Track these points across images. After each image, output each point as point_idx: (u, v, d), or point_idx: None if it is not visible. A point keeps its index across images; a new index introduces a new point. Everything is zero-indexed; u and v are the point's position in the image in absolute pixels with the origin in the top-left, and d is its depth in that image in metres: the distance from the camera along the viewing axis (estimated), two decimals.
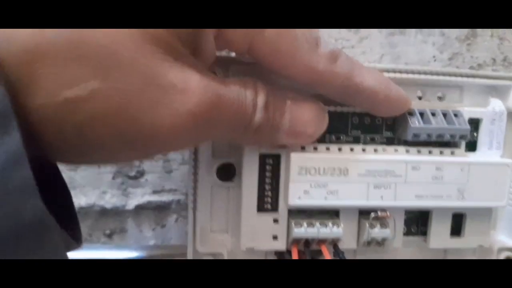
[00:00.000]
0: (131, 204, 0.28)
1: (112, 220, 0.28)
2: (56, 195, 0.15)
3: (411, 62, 0.27)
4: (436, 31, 0.27)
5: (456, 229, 0.21)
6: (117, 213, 0.28)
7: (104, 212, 0.27)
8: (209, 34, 0.15)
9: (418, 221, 0.21)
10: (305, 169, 0.18)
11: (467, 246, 0.21)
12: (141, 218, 0.28)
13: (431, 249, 0.21)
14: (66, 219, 0.15)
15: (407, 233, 0.21)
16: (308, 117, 0.17)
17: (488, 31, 0.27)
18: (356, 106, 0.19)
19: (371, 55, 0.26)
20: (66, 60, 0.12)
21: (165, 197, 0.28)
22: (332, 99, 0.18)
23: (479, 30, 0.27)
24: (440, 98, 0.21)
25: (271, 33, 0.15)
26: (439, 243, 0.21)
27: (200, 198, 0.20)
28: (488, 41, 0.27)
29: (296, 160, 0.18)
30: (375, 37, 0.26)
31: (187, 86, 0.14)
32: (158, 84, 0.13)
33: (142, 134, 0.14)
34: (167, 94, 0.14)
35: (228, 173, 0.20)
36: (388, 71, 0.19)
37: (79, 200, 0.27)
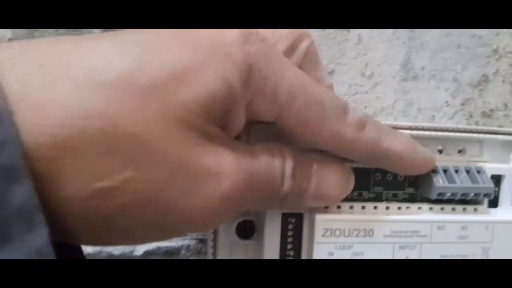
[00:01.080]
0: (140, 250, 0.27)
1: None
2: None
3: (424, 108, 0.27)
4: (449, 77, 0.27)
5: None
6: (125, 259, 0.27)
7: (112, 258, 0.27)
8: (240, 107, 0.14)
9: None
10: (330, 230, 0.18)
11: None
12: None
13: None
14: None
15: None
16: (334, 180, 0.17)
17: (500, 77, 0.27)
18: (382, 167, 0.19)
19: (384, 100, 0.26)
20: (97, 153, 0.12)
21: (174, 243, 0.27)
22: (357, 162, 0.18)
23: (490, 76, 0.27)
24: (460, 151, 0.21)
25: (300, 104, 0.15)
26: None
27: (219, 255, 0.19)
28: (500, 86, 0.27)
29: (321, 222, 0.18)
30: (388, 83, 0.26)
31: (221, 169, 0.13)
32: (191, 170, 0.13)
33: (172, 222, 0.13)
34: (200, 179, 0.13)
35: (246, 230, 0.20)
36: (411, 128, 0.19)
37: (86, 247, 0.26)
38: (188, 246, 0.27)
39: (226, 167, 0.14)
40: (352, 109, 0.16)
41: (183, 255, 0.27)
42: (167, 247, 0.27)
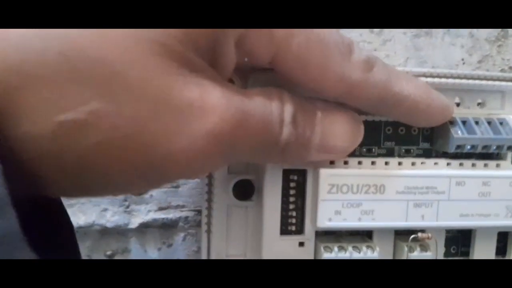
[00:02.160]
0: (135, 222, 0.25)
1: (114, 240, 0.25)
2: (54, 230, 0.13)
3: (438, 66, 0.25)
4: (465, 32, 0.25)
5: (501, 248, 0.19)
6: (119, 232, 0.25)
7: (105, 232, 0.25)
8: (230, 40, 0.13)
9: (458, 241, 0.19)
10: (336, 186, 0.16)
11: None
12: (146, 237, 0.26)
13: None
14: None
15: (446, 254, 0.19)
16: (341, 129, 0.15)
17: None
18: (393, 118, 0.17)
19: (395, 58, 0.24)
20: (58, 80, 0.10)
21: (171, 214, 0.25)
22: (366, 111, 0.16)
23: (510, 31, 0.25)
24: (480, 105, 0.19)
25: (300, 42, 0.13)
26: None
27: (215, 220, 0.18)
28: None
29: (326, 177, 0.16)
30: (399, 39, 0.24)
31: (206, 103, 0.12)
32: (172, 104, 0.11)
33: (155, 164, 0.12)
34: (183, 115, 0.11)
35: (245, 190, 0.18)
36: (425, 75, 0.17)
37: (78, 219, 0.25)
38: (186, 218, 0.26)
39: (212, 101, 0.12)
40: (358, 48, 0.14)
41: (181, 227, 0.26)
42: (163, 219, 0.25)
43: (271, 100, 0.13)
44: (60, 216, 0.15)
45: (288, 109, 0.14)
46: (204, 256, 0.18)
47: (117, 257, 0.26)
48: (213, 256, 0.18)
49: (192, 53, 0.12)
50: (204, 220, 0.18)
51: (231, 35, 0.13)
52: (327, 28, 0.14)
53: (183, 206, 0.25)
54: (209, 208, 0.18)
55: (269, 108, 0.13)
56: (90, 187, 0.12)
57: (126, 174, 0.12)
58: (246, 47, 0.13)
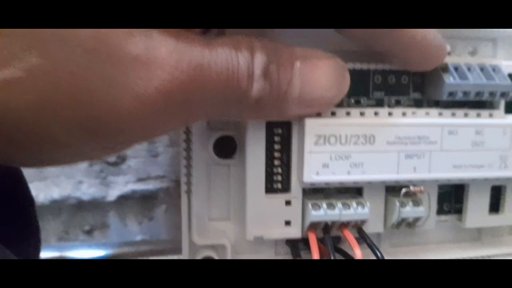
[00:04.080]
0: (113, 194, 0.24)
1: (91, 214, 0.24)
2: (11, 203, 0.12)
3: None
4: None
5: (494, 205, 0.18)
6: (96, 205, 0.24)
7: (81, 205, 0.24)
8: None
9: (451, 197, 0.18)
10: (323, 137, 0.15)
11: (507, 224, 0.19)
12: (125, 211, 0.24)
13: (468, 230, 0.18)
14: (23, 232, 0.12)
15: (439, 211, 0.18)
16: (324, 79, 0.14)
17: None
18: (389, 52, 0.15)
19: None
20: None
21: (151, 185, 0.24)
22: (360, 43, 0.15)
23: None
24: (471, 53, 0.18)
25: None
26: (476, 221, 0.18)
27: (195, 180, 0.17)
28: None
29: (312, 128, 0.15)
30: None
31: (153, 57, 0.11)
32: (114, 56, 0.10)
33: (101, 123, 0.11)
34: (126, 69, 0.10)
35: (227, 148, 0.17)
36: None
37: (52, 192, 0.23)
38: (167, 188, 0.24)
39: (161, 56, 0.11)
40: None
41: (162, 199, 0.24)
42: (143, 190, 0.24)
43: (238, 51, 0.12)
44: (17, 189, 0.14)
45: (259, 61, 0.12)
46: (184, 220, 0.17)
47: (95, 233, 0.24)
48: (194, 220, 0.17)
49: None
50: (184, 180, 0.17)
51: None
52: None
53: (163, 177, 0.24)
54: (189, 167, 0.17)
55: (235, 60, 0.12)
56: (37, 152, 0.11)
57: (71, 134, 0.11)
58: None
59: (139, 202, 0.24)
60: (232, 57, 0.12)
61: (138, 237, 0.25)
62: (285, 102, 0.13)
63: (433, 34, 0.14)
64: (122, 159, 0.24)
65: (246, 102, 0.13)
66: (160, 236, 0.25)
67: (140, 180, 0.24)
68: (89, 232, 0.24)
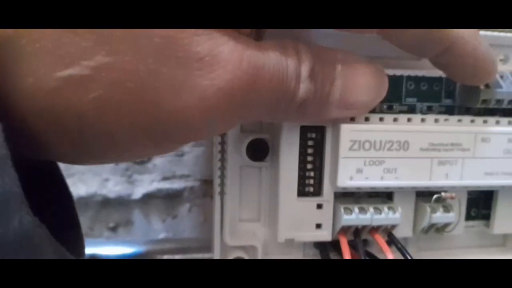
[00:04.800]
0: (138, 192, 0.24)
1: (116, 211, 0.24)
2: (53, 200, 0.12)
3: None
4: None
5: None
6: (121, 203, 0.24)
7: (107, 203, 0.24)
8: None
9: (479, 203, 0.19)
10: (358, 143, 0.15)
11: None
12: (150, 209, 0.25)
13: (493, 235, 0.19)
14: (66, 228, 0.12)
15: (467, 217, 0.18)
16: (364, 83, 0.14)
17: None
18: (438, 62, 0.14)
19: None
20: (59, 31, 0.09)
21: (176, 184, 0.24)
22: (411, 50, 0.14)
23: None
24: (503, 61, 0.18)
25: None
26: (504, 228, 0.18)
27: (229, 181, 0.17)
28: None
29: (348, 133, 0.15)
30: None
31: (217, 57, 0.11)
32: (180, 57, 0.10)
33: (162, 123, 0.11)
34: (192, 69, 0.10)
35: (259, 151, 0.17)
36: None
37: (78, 189, 0.24)
38: (192, 188, 0.25)
39: (224, 56, 0.11)
40: None
41: (186, 197, 0.25)
42: (168, 189, 0.24)
43: (287, 54, 0.12)
44: (60, 185, 0.14)
45: (305, 63, 0.13)
46: (217, 220, 0.17)
47: (120, 229, 0.25)
48: (227, 221, 0.17)
49: None
50: (217, 182, 0.17)
51: None
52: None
53: (188, 176, 0.24)
54: (222, 169, 0.17)
55: (285, 62, 0.12)
56: (92, 150, 0.11)
57: (130, 133, 0.11)
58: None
59: (164, 201, 0.25)
60: (282, 59, 0.12)
61: (162, 235, 0.25)
62: (327, 104, 0.14)
63: (484, 48, 0.14)
64: (148, 158, 0.24)
65: (293, 102, 0.13)
66: (183, 235, 0.25)
67: (165, 179, 0.24)
68: (113, 229, 0.25)
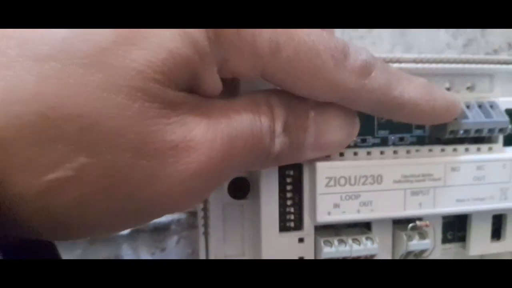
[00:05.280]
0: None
1: (104, 247, 0.25)
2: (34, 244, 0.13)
3: (425, 51, 0.25)
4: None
5: (496, 232, 0.19)
6: (109, 239, 0.24)
7: (94, 239, 0.24)
8: (211, 69, 0.12)
9: (454, 226, 0.19)
10: (333, 179, 0.16)
11: (508, 250, 0.19)
12: (138, 242, 0.25)
13: (468, 256, 0.19)
14: None
15: (443, 240, 0.19)
16: (336, 125, 0.15)
17: None
18: (396, 120, 0.16)
19: (381, 45, 0.24)
20: (40, 141, 0.10)
21: (163, 218, 0.25)
22: (366, 113, 0.15)
23: None
24: (469, 89, 0.19)
25: (288, 56, 0.12)
26: (480, 249, 0.19)
27: (212, 221, 0.17)
28: None
29: (323, 170, 0.16)
30: None
31: (191, 143, 0.11)
32: (155, 149, 0.11)
33: (142, 208, 0.11)
34: (167, 158, 0.11)
35: (240, 188, 0.18)
36: (415, 61, 0.17)
37: None
38: (179, 220, 0.25)
39: (197, 139, 0.11)
40: (354, 51, 0.13)
41: (174, 230, 0.25)
42: (155, 223, 0.25)
43: (260, 112, 0.13)
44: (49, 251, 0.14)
45: (279, 118, 0.13)
46: (202, 257, 0.18)
47: None
48: (212, 258, 0.18)
49: (172, 91, 0.11)
50: (201, 222, 0.17)
51: (212, 62, 0.12)
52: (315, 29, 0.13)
53: None
54: (205, 209, 0.17)
55: (259, 123, 0.13)
56: (82, 233, 0.12)
57: (113, 219, 0.12)
58: (230, 69, 0.12)
59: (151, 234, 0.25)
60: (255, 120, 0.13)
61: None
62: (302, 149, 0.14)
63: (441, 100, 0.15)
64: None
65: (269, 157, 0.13)
66: None
67: None
68: None
